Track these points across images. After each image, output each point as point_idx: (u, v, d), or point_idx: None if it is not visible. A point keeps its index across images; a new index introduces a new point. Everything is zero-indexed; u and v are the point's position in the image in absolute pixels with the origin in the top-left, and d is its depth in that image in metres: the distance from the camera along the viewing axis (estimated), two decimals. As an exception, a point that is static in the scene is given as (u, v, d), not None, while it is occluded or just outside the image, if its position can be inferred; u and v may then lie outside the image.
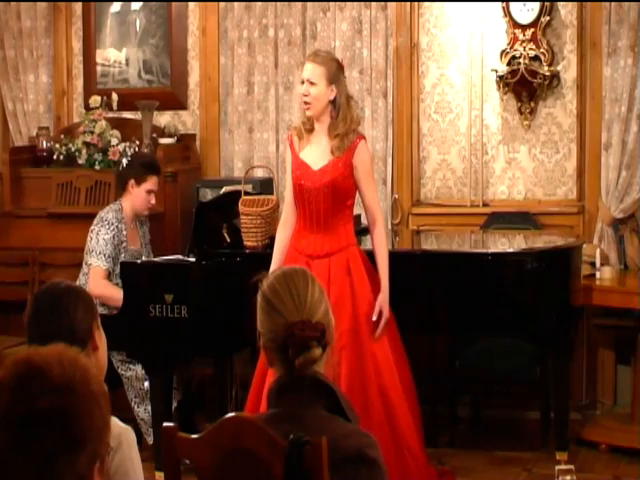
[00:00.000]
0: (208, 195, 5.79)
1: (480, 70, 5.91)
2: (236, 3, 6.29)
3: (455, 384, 5.57)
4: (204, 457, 2.18)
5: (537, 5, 5.71)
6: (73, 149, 6.23)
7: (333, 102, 4.30)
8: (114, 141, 6.18)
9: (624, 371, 5.59)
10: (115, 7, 6.59)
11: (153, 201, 5.38)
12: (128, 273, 4.90)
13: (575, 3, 5.76)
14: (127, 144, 6.16)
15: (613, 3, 5.59)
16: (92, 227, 5.23)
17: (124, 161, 5.61)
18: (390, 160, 6.05)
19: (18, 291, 5.88)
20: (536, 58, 5.74)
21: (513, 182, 5.94)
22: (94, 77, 6.64)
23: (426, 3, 6.03)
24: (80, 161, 6.20)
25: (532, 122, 5.86)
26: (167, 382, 4.91)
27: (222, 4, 6.37)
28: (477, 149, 5.97)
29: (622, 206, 5.63)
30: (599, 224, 5.68)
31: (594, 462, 5.06)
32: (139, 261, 5.15)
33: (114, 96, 6.32)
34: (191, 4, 6.46)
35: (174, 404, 5.10)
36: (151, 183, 5.34)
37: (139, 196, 5.32)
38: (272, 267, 4.12)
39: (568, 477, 2.64)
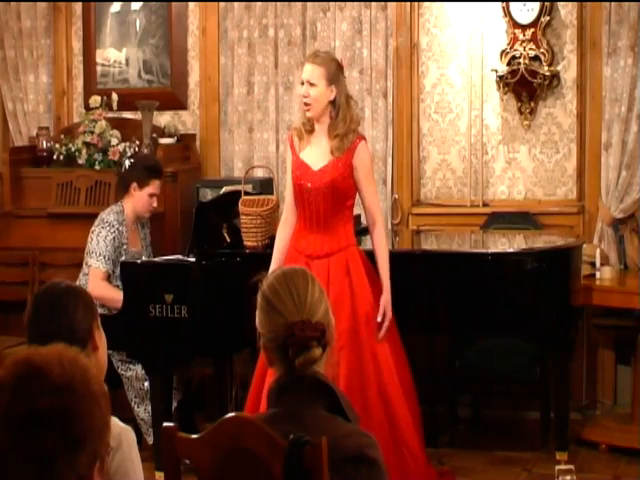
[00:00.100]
0: (208, 195, 5.79)
1: (480, 70, 5.91)
2: (236, 3, 6.29)
3: (455, 384, 5.57)
4: (204, 457, 2.18)
5: (537, 5, 5.71)
6: (73, 149, 6.23)
7: (333, 102, 4.30)
8: (114, 141, 6.18)
9: (624, 371, 5.59)
10: (115, 7, 6.59)
11: (155, 204, 5.38)
12: (128, 273, 4.90)
13: (575, 3, 5.76)
14: (127, 144, 6.16)
15: (613, 3, 5.59)
16: (93, 228, 5.23)
17: (127, 162, 5.57)
18: (390, 160, 6.05)
19: (18, 291, 5.88)
20: (536, 58, 5.74)
21: (513, 182, 5.94)
22: (94, 77, 6.64)
23: (426, 3, 6.03)
24: (80, 161, 6.21)
25: (532, 122, 5.86)
26: (167, 382, 4.91)
27: (222, 4, 6.37)
28: (477, 149, 5.97)
29: (622, 206, 5.63)
30: (599, 224, 5.68)
31: (594, 462, 5.06)
32: (139, 261, 5.15)
33: (114, 96, 6.32)
34: (191, 4, 6.46)
35: (174, 404, 5.10)
36: (154, 187, 5.34)
37: (141, 199, 5.32)
38: (272, 267, 4.12)
39: (568, 477, 2.64)
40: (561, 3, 5.79)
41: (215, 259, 4.87)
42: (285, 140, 5.76)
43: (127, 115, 6.44)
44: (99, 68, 6.63)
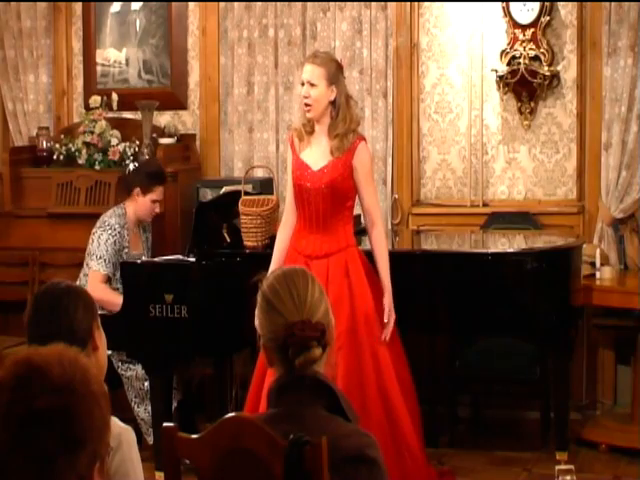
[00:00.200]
0: (208, 195, 5.79)
1: (480, 70, 5.91)
2: (236, 3, 6.29)
3: (455, 384, 5.57)
4: (204, 457, 2.18)
5: (537, 5, 5.71)
6: (73, 149, 6.23)
7: (333, 103, 4.30)
8: (114, 141, 6.18)
9: (624, 371, 5.59)
10: (115, 7, 6.59)
11: (157, 210, 5.39)
12: (128, 273, 4.90)
13: (575, 3, 5.76)
14: (127, 144, 6.17)
15: (613, 3, 5.59)
16: (94, 230, 5.23)
17: (130, 166, 5.52)
18: (390, 160, 6.05)
19: (18, 291, 5.88)
20: (536, 58, 5.74)
21: (513, 182, 5.94)
22: (94, 77, 6.64)
23: (426, 3, 6.03)
24: (80, 161, 6.21)
25: (532, 122, 5.86)
26: (167, 382, 4.91)
27: (222, 4, 6.37)
28: (477, 149, 5.97)
29: (622, 206, 5.63)
30: (599, 224, 5.68)
31: (594, 462, 5.06)
32: (139, 261, 5.15)
33: (114, 96, 6.32)
34: (191, 4, 6.46)
35: (174, 404, 5.10)
36: (157, 193, 5.34)
37: (144, 205, 5.32)
38: (271, 268, 4.12)
39: (568, 477, 2.64)
40: (561, 3, 5.79)
41: (215, 259, 4.87)
42: (285, 140, 5.77)
43: (127, 115, 6.44)
44: (99, 68, 6.63)
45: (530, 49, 5.73)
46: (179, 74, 6.49)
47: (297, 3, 6.16)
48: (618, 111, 5.60)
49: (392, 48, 6.03)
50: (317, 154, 4.34)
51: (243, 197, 4.99)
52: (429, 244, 5.70)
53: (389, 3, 6.01)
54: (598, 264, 5.36)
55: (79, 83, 6.73)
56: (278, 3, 6.19)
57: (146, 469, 2.54)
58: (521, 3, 5.74)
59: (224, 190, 5.43)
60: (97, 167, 6.13)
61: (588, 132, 5.77)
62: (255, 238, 4.88)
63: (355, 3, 6.06)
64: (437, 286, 4.73)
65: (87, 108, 6.42)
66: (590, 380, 5.71)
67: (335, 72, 4.30)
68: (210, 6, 6.39)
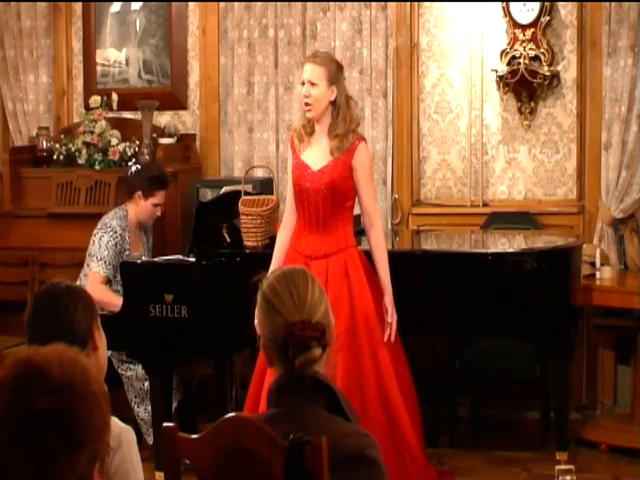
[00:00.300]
0: (208, 195, 5.79)
1: (480, 70, 5.91)
2: (236, 3, 6.29)
3: (455, 384, 5.57)
4: (204, 457, 2.18)
5: (537, 5, 5.71)
6: (73, 149, 6.23)
7: (333, 103, 4.30)
8: (114, 141, 6.18)
9: (624, 371, 5.59)
10: (115, 7, 6.59)
11: (159, 213, 5.39)
12: (128, 273, 4.90)
13: (575, 3, 5.76)
14: (127, 144, 6.17)
15: (613, 3, 5.59)
16: (95, 231, 5.23)
17: (133, 168, 5.47)
18: (390, 160, 6.05)
19: (18, 291, 5.88)
20: (536, 58, 5.74)
21: (513, 182, 5.94)
22: (94, 77, 6.64)
23: (426, 3, 6.03)
24: (80, 161, 6.21)
25: (532, 122, 5.86)
26: (167, 382, 4.91)
27: (222, 4, 6.37)
28: (477, 149, 5.97)
29: (622, 206, 5.63)
30: (599, 224, 5.68)
31: (594, 462, 5.06)
32: (139, 261, 5.15)
33: (114, 96, 6.32)
34: (191, 4, 6.46)
35: (174, 404, 5.10)
36: (158, 198, 5.34)
37: (145, 208, 5.32)
38: (271, 269, 4.11)
39: (568, 477, 2.65)
40: (561, 3, 5.79)
41: (215, 259, 4.86)
42: (285, 140, 5.77)
43: (127, 115, 6.44)
44: (99, 68, 6.63)
45: (530, 49, 5.73)
46: (179, 74, 6.49)
47: (297, 3, 6.16)
48: (618, 111, 5.60)
49: (392, 48, 6.03)
50: (317, 154, 4.33)
51: (243, 197, 4.99)
52: (429, 244, 5.70)
53: (389, 3, 6.01)
54: (598, 264, 5.36)
55: (79, 83, 6.73)
56: (278, 3, 6.19)
57: (146, 469, 2.53)
58: (521, 3, 5.74)
59: (224, 190, 5.43)
60: (97, 167, 6.13)
61: (588, 132, 5.77)
62: (255, 238, 4.88)
63: (355, 3, 6.06)
64: (437, 286, 4.73)
65: (87, 108, 6.42)
66: (590, 380, 5.71)
67: (336, 72, 4.30)
68: (210, 6, 6.39)
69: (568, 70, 5.80)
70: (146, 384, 5.02)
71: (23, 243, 6.03)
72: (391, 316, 4.20)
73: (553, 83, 5.81)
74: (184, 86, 6.50)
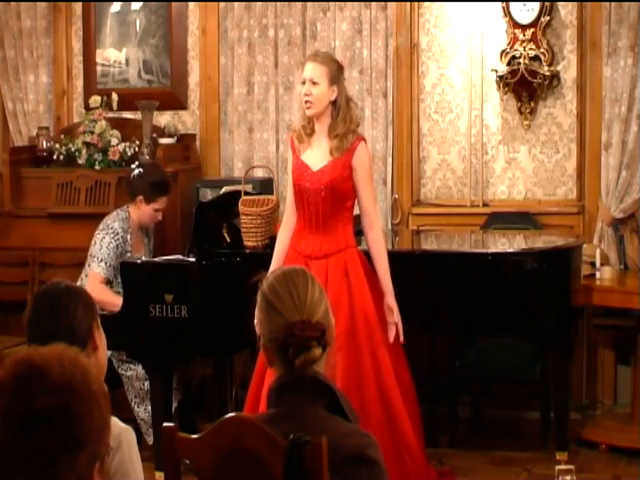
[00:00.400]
0: (208, 195, 5.79)
1: (480, 70, 5.91)
2: (236, 3, 6.29)
3: (455, 384, 5.57)
4: (204, 457, 2.18)
5: (537, 5, 5.71)
6: (73, 149, 6.23)
7: (334, 103, 4.30)
8: (114, 141, 6.18)
9: (624, 371, 5.59)
10: (115, 7, 6.59)
11: (160, 217, 5.38)
12: (128, 273, 4.90)
13: (575, 3, 5.76)
14: (127, 144, 6.17)
15: (613, 3, 5.59)
16: (97, 232, 5.23)
17: (136, 171, 5.42)
18: (390, 160, 6.05)
19: (18, 291, 5.88)
20: (536, 58, 5.74)
21: (513, 182, 5.94)
22: (94, 77, 6.64)
23: (426, 3, 6.03)
24: (80, 161, 6.21)
25: (532, 122, 5.86)
26: (167, 382, 4.91)
27: (222, 4, 6.37)
28: (477, 149, 5.97)
29: (622, 206, 5.63)
30: (599, 224, 5.68)
31: (594, 462, 5.06)
32: (139, 261, 5.15)
33: (114, 96, 6.32)
34: (191, 4, 6.46)
35: (174, 404, 5.10)
36: (160, 203, 5.34)
37: (146, 212, 5.32)
38: (271, 269, 4.11)
39: (568, 477, 2.65)
40: (561, 3, 5.79)
41: (215, 259, 4.86)
42: (285, 140, 5.77)
43: (127, 115, 6.44)
44: (99, 68, 6.63)
45: (530, 49, 5.73)
46: (179, 74, 6.49)
47: (297, 3, 6.16)
48: (618, 111, 5.60)
49: (392, 48, 6.03)
50: (317, 155, 4.33)
51: (243, 197, 4.99)
52: (429, 244, 5.70)
53: (389, 3, 6.01)
54: (598, 264, 5.36)
55: (79, 83, 6.73)
56: (278, 3, 6.19)
57: (146, 469, 2.53)
58: (521, 3, 5.74)
59: (224, 190, 5.43)
60: (97, 167, 6.13)
61: (588, 132, 5.77)
62: (255, 238, 4.88)
63: (355, 3, 6.06)
64: (437, 286, 4.73)
65: (87, 108, 6.42)
66: (590, 380, 5.71)
67: (337, 72, 4.31)
68: (210, 6, 6.39)
69: (568, 70, 5.80)
70: (146, 384, 5.02)
71: (23, 243, 6.03)
72: (396, 316, 4.20)
73: (553, 83, 5.81)
74: (184, 86, 6.50)
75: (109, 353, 3.63)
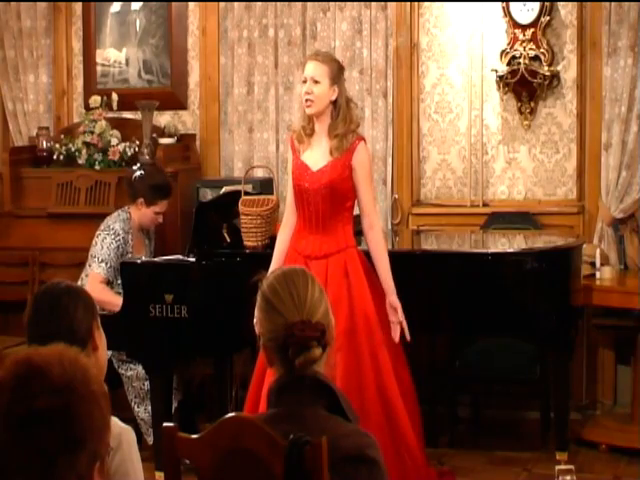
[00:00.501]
0: (208, 195, 5.79)
1: (480, 70, 5.91)
2: (236, 3, 6.29)
3: (455, 384, 5.57)
4: (204, 457, 2.18)
5: (537, 5, 5.71)
6: (73, 149, 6.24)
7: (334, 103, 4.30)
8: (114, 141, 6.18)
9: (624, 371, 5.59)
10: (115, 7, 6.59)
11: (160, 220, 5.38)
12: (128, 273, 4.90)
13: (575, 3, 5.76)
14: (127, 144, 6.17)
15: (613, 3, 5.59)
16: (98, 232, 5.23)
17: (137, 173, 5.41)
18: (390, 160, 6.05)
19: (18, 291, 5.88)
20: (536, 58, 5.74)
21: (513, 182, 5.94)
22: (94, 77, 6.64)
23: (426, 3, 6.03)
24: (80, 161, 6.21)
25: (532, 122, 5.86)
26: (167, 382, 4.91)
27: (222, 4, 6.37)
28: (477, 149, 5.97)
29: (622, 206, 5.63)
30: (599, 224, 5.68)
31: (594, 462, 5.06)
32: (139, 261, 5.15)
33: (114, 96, 6.33)
34: (191, 4, 6.46)
35: (174, 404, 5.10)
36: (160, 206, 5.34)
37: (146, 215, 5.32)
38: (271, 269, 4.11)
39: (568, 477, 2.65)
40: (561, 3, 5.79)
41: (215, 259, 4.86)
42: (285, 140, 5.77)
43: (127, 115, 6.44)
44: (99, 68, 6.63)
45: (530, 49, 5.73)
46: (179, 74, 6.49)
47: (297, 3, 6.16)
48: (618, 111, 5.60)
49: (392, 48, 6.03)
50: (317, 155, 4.33)
51: (243, 197, 4.99)
52: (429, 244, 5.70)
53: (389, 3, 6.01)
54: (598, 264, 5.36)
55: (79, 83, 6.73)
56: (278, 3, 6.19)
57: (146, 469, 2.54)
58: (521, 3, 5.74)
59: (224, 190, 5.42)
60: (97, 167, 6.13)
61: (588, 132, 5.77)
62: (255, 238, 4.88)
63: (355, 3, 6.06)
64: (437, 286, 4.73)
65: (87, 108, 6.42)
66: (590, 380, 5.71)
67: (338, 72, 4.31)
68: (210, 6, 6.39)
69: (568, 70, 5.80)
70: (146, 384, 5.02)
71: (23, 243, 6.03)
72: (401, 314, 4.20)
73: (553, 83, 5.81)
74: (184, 86, 6.50)
75: (109, 353, 3.63)
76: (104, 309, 4.94)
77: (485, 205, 5.95)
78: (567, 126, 5.83)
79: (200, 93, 6.47)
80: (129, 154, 6.13)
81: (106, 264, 5.12)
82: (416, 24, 6.02)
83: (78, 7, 6.66)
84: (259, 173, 6.03)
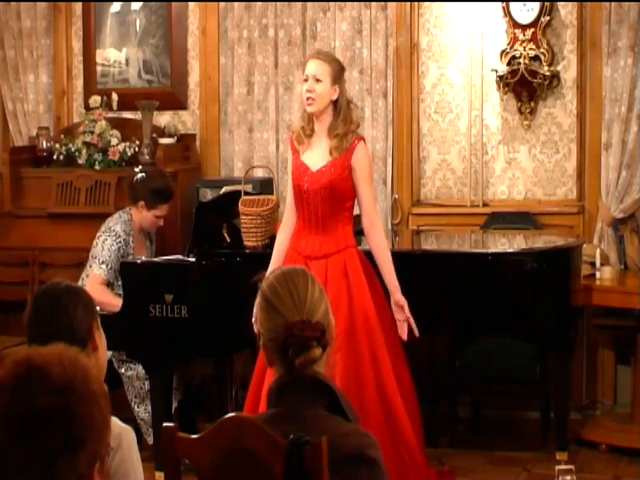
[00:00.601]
0: (208, 195, 5.79)
1: (480, 70, 5.91)
2: (236, 3, 6.29)
3: (455, 384, 5.57)
4: (204, 457, 2.18)
5: (537, 5, 5.71)
6: (73, 149, 6.24)
7: (335, 103, 4.30)
8: (114, 141, 6.19)
9: (624, 371, 5.59)
10: (115, 7, 6.59)
11: (161, 223, 5.38)
12: (128, 273, 4.90)
13: (575, 3, 5.76)
14: (127, 144, 6.17)
15: (613, 3, 5.59)
16: (99, 233, 5.22)
17: (139, 175, 5.39)
18: (390, 160, 6.05)
19: (18, 291, 5.88)
20: (536, 58, 5.74)
21: (513, 182, 5.94)
22: (94, 77, 6.64)
23: (426, 3, 6.03)
24: (80, 161, 6.21)
25: (532, 122, 5.86)
26: (167, 382, 4.91)
27: (222, 4, 6.37)
28: (477, 149, 5.97)
29: (622, 206, 5.63)
30: (599, 224, 5.68)
31: (594, 462, 5.06)
32: (139, 261, 5.15)
33: (114, 96, 6.33)
34: (191, 4, 6.46)
35: (174, 404, 5.10)
36: (161, 210, 5.33)
37: (147, 218, 5.32)
38: (270, 269, 4.11)
39: (568, 477, 2.65)
40: (561, 3, 5.79)
41: (215, 259, 4.86)
42: (285, 140, 5.77)
43: (127, 115, 6.45)
44: (99, 68, 6.63)
45: (530, 49, 5.73)
46: (179, 74, 6.49)
47: (297, 3, 6.16)
48: (618, 111, 5.60)
49: (392, 48, 6.03)
50: (317, 155, 4.33)
51: (243, 197, 4.99)
52: (429, 244, 5.70)
53: (389, 3, 6.01)
54: (598, 264, 5.36)
55: (79, 83, 6.73)
56: (278, 3, 6.19)
57: (146, 469, 2.54)
58: (521, 3, 5.74)
59: (224, 190, 5.42)
60: (97, 167, 6.13)
61: (588, 132, 5.77)
62: (255, 238, 4.88)
63: (355, 3, 6.06)
64: (437, 286, 4.73)
65: (87, 108, 6.43)
66: (590, 380, 5.71)
67: (339, 72, 4.31)
68: (210, 6, 6.39)
69: (568, 70, 5.80)
70: (146, 384, 5.02)
71: (23, 243, 6.03)
72: (408, 312, 4.20)
73: (553, 83, 5.81)
74: (184, 86, 6.50)
75: (109, 353, 3.63)
76: (104, 310, 4.95)
77: (485, 205, 5.95)
78: (567, 126, 5.83)
79: (200, 93, 6.47)
80: (129, 154, 6.13)
81: (106, 266, 5.12)
82: (416, 24, 6.02)
83: (78, 7, 6.66)
84: (259, 173, 6.03)
